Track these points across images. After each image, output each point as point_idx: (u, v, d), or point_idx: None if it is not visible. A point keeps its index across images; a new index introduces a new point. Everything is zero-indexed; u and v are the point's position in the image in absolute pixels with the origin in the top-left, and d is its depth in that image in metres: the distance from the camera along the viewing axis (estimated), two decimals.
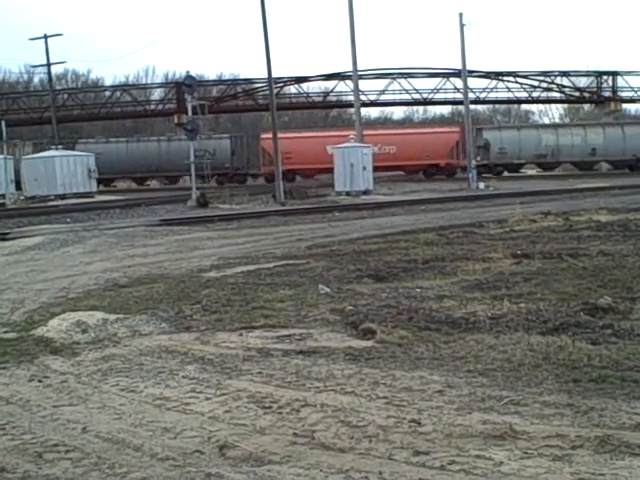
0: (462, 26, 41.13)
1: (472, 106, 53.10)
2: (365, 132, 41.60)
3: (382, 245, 14.25)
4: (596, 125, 52.25)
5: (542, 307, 7.77)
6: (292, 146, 46.46)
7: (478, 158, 45.25)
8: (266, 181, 47.82)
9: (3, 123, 38.10)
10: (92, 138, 53.25)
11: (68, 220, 25.01)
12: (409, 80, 56.93)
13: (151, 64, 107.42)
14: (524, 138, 50.07)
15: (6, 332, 8.00)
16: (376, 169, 48.57)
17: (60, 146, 41.80)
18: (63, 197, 36.58)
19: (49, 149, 40.78)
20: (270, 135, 48.03)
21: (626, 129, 49.36)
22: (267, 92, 39.11)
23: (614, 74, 57.49)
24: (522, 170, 52.37)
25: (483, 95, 57.62)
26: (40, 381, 6.11)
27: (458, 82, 51.84)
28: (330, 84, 58.58)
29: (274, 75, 34.55)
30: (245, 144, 52.41)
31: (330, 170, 37.27)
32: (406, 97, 58.06)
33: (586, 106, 69.61)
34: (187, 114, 34.05)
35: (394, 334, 6.96)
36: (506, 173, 49.62)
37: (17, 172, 38.36)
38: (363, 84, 49.93)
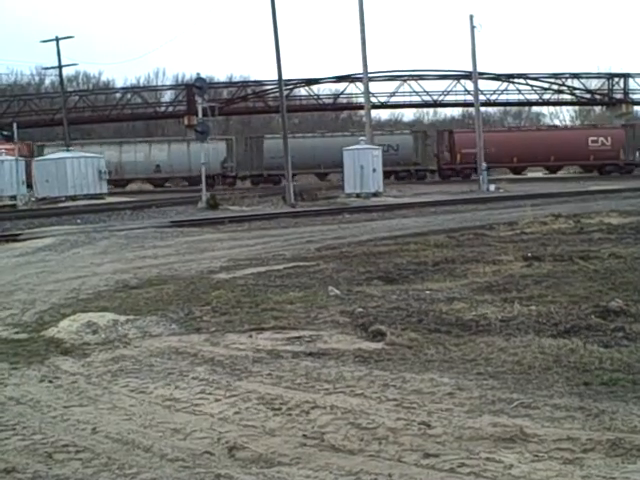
0: (473, 28, 41.15)
1: (483, 108, 52.94)
2: None
3: (392, 247, 14.21)
4: (162, 141, 52.60)
5: (553, 310, 7.73)
6: None
7: None
8: None
9: (15, 125, 38.30)
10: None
11: (79, 221, 25.10)
12: (419, 82, 57.08)
13: (161, 66, 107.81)
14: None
15: (17, 333, 8.03)
16: None
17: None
18: (74, 198, 36.73)
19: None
20: None
21: (191, 146, 47.46)
22: (277, 94, 39.19)
23: (625, 76, 57.39)
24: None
25: (494, 97, 57.73)
26: (50, 382, 6.13)
27: (469, 84, 52.01)
28: (340, 86, 58.82)
29: (284, 77, 34.59)
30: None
31: None
32: (416, 99, 58.26)
33: (597, 108, 69.43)
34: (197, 116, 34.15)
35: (404, 336, 6.95)
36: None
37: (28, 173, 38.56)
38: (373, 86, 50.13)
